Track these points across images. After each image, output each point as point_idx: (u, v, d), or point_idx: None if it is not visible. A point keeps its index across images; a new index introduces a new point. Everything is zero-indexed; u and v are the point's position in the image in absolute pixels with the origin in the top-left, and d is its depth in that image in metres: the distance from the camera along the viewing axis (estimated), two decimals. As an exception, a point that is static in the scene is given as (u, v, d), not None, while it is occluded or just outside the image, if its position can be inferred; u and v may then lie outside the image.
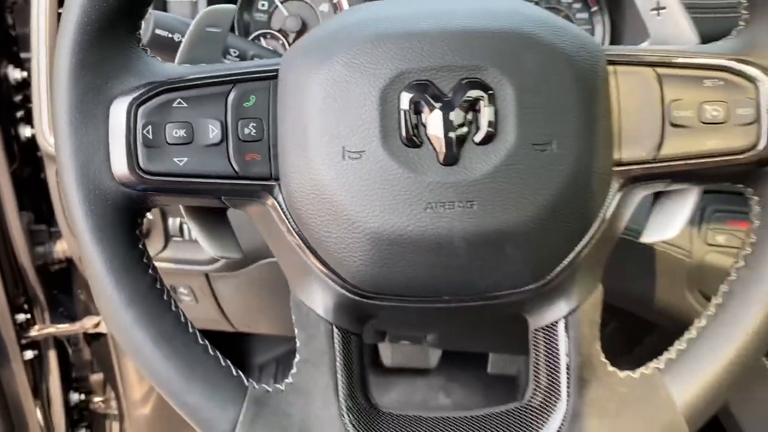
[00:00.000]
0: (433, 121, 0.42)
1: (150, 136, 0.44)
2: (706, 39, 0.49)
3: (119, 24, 0.44)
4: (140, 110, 0.44)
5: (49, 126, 0.80)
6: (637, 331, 0.87)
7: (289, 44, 0.82)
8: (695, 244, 0.73)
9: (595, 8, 0.82)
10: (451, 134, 0.42)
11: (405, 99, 0.42)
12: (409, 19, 0.44)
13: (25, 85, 1.02)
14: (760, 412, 0.82)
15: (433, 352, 1.33)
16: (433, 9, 0.46)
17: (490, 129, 0.42)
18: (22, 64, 1.02)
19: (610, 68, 0.46)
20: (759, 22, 0.45)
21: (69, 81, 0.43)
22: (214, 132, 0.45)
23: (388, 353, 1.36)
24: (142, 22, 0.48)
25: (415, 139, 0.42)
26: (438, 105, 0.42)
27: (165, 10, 0.77)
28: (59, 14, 0.79)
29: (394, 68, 0.43)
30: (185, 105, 0.45)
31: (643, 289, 0.77)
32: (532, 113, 0.43)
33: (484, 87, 0.42)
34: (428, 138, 0.42)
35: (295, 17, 0.82)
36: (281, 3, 0.83)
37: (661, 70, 0.45)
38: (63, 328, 1.18)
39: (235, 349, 1.44)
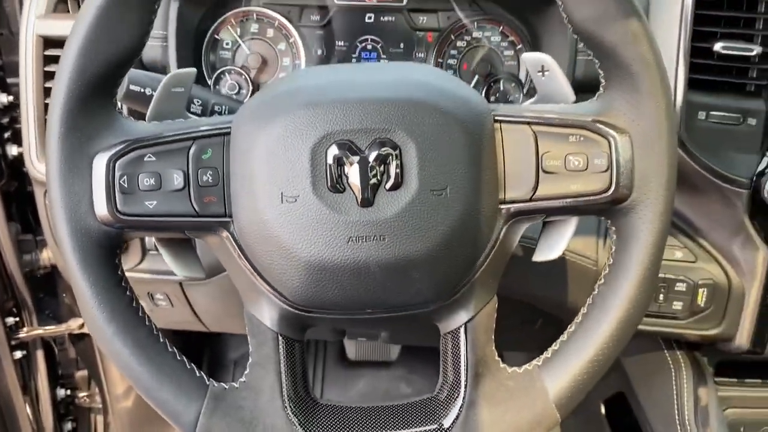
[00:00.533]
0: (353, 173, 0.53)
1: (125, 185, 0.55)
2: (590, 79, 0.59)
3: (99, 94, 0.54)
4: (117, 164, 0.55)
5: (36, 155, 0.89)
6: (563, 326, 0.99)
7: (251, 79, 0.92)
8: (600, 254, 0.85)
9: (519, 46, 0.94)
10: (367, 182, 0.53)
11: (330, 155, 0.53)
12: (334, 90, 0.55)
13: (11, 107, 1.11)
14: (659, 395, 0.95)
15: (393, 347, 1.44)
16: (354, 80, 0.56)
17: (398, 178, 0.53)
18: (9, 89, 1.11)
19: (497, 125, 0.57)
20: (612, 89, 0.56)
21: (58, 143, 0.53)
22: (178, 180, 0.55)
23: (352, 349, 1.48)
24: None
25: (338, 186, 0.53)
26: (356, 159, 0.53)
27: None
28: (45, 46, 0.88)
29: (322, 130, 0.53)
30: (154, 159, 0.55)
31: (558, 293, 0.88)
32: (430, 165, 0.53)
33: (393, 145, 0.53)
34: (349, 185, 0.53)
35: (255, 55, 0.92)
36: (243, 42, 0.93)
37: (536, 128, 0.56)
38: (50, 329, 1.25)
39: (212, 346, 1.55)
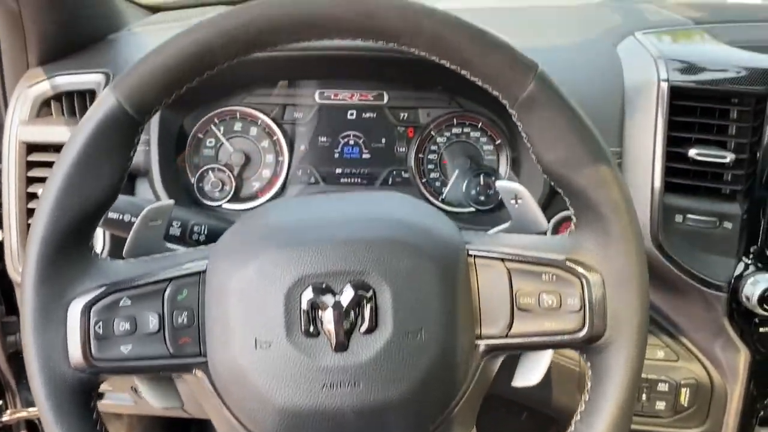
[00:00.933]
0: (327, 317, 0.53)
1: (101, 331, 0.54)
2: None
3: (74, 241, 0.54)
4: (92, 310, 0.54)
5: (18, 258, 0.89)
6: (547, 417, 0.99)
7: (235, 177, 0.93)
8: (583, 355, 0.86)
9: (499, 141, 0.95)
10: (342, 327, 0.53)
11: (305, 299, 0.53)
12: (308, 230, 0.55)
13: None
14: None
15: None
16: (328, 219, 0.57)
17: (372, 321, 0.53)
18: None
19: (471, 260, 0.57)
20: (583, 229, 0.57)
21: (33, 293, 0.53)
22: (153, 323, 0.55)
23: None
24: None
25: (312, 331, 0.53)
26: (331, 303, 0.53)
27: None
28: (28, 151, 0.89)
29: (297, 274, 0.53)
30: (129, 303, 0.55)
31: (542, 393, 0.88)
32: (405, 307, 0.53)
33: (367, 287, 0.53)
34: (324, 330, 0.53)
35: (239, 152, 0.93)
36: (226, 140, 0.94)
37: (509, 265, 0.57)
38: (33, 411, 1.23)
39: (199, 420, 1.53)
